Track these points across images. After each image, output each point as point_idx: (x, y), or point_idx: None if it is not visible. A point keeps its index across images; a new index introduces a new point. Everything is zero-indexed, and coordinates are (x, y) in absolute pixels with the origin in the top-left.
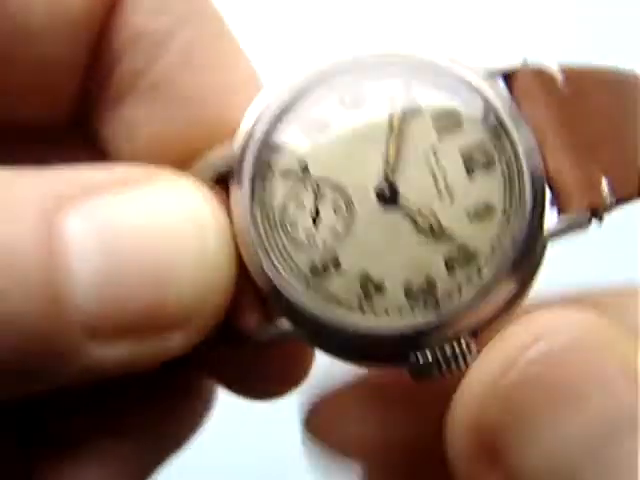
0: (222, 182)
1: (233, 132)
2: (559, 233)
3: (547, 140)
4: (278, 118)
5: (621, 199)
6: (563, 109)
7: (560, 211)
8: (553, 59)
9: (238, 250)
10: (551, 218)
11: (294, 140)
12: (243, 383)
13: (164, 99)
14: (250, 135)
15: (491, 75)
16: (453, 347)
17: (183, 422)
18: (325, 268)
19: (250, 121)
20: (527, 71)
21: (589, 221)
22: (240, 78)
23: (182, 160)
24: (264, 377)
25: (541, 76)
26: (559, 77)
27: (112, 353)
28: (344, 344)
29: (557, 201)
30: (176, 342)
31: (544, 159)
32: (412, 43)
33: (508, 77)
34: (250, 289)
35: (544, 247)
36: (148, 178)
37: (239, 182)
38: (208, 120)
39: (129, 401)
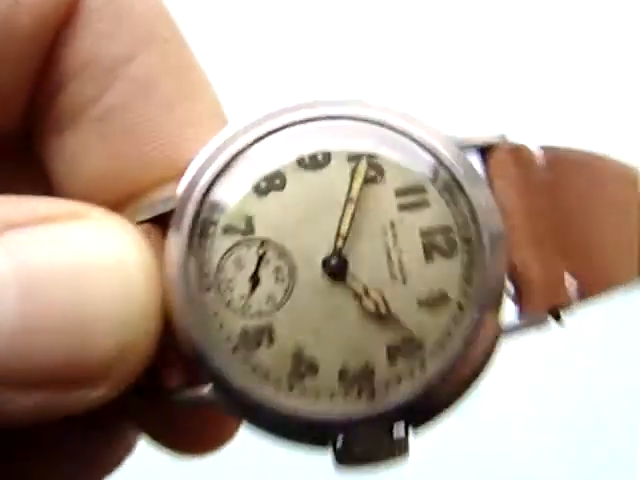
0: (161, 222)
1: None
2: (515, 330)
3: (515, 228)
4: (227, 166)
5: (587, 300)
6: (538, 196)
7: (519, 307)
8: (535, 139)
9: (165, 302)
10: (508, 312)
11: (242, 195)
12: (165, 438)
13: (112, 132)
14: (196, 181)
15: (462, 145)
16: (384, 439)
17: (99, 466)
18: (257, 338)
19: (198, 165)
20: (505, 148)
21: (548, 321)
22: (203, 112)
23: (126, 200)
24: (187, 435)
25: (519, 156)
26: (538, 159)
27: (19, 403)
28: (267, 421)
29: (517, 296)
30: (93, 395)
31: (509, 250)
32: (390, 97)
33: (484, 151)
34: (174, 345)
35: (498, 342)
36: (73, 215)
37: (177, 229)
38: (161, 160)
39: (39, 447)
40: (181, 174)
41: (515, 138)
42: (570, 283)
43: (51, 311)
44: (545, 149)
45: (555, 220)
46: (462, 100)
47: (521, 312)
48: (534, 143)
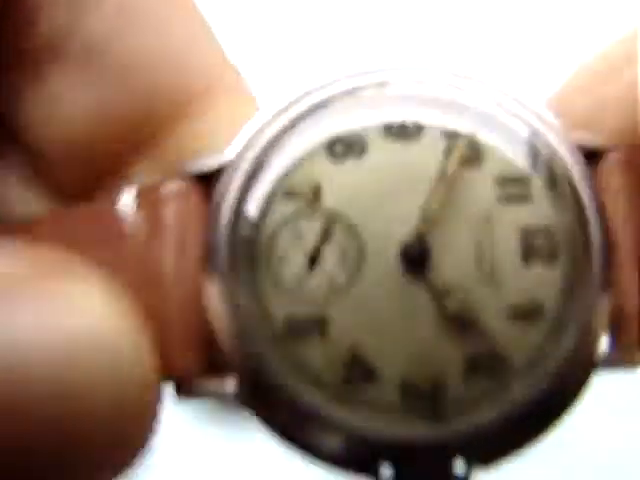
0: (205, 182)
1: (198, 102)
2: (607, 364)
3: (619, 246)
4: (299, 119)
5: None
6: None
7: (614, 338)
8: None
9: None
10: (604, 343)
11: (312, 156)
12: None
13: (99, 67)
14: (256, 137)
15: (577, 145)
16: (442, 473)
17: None
18: (307, 330)
19: (262, 114)
20: (617, 155)
21: None
22: (196, 32)
23: (129, 148)
24: None
25: (634, 163)
26: None
27: None
28: (299, 429)
29: (612, 325)
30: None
31: (619, 274)
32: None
33: (593, 156)
34: (199, 322)
35: (591, 374)
36: (45, 276)
37: (227, 189)
38: (162, 90)
39: None
40: (197, 102)
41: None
42: None
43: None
44: None
45: None
46: None
47: (615, 344)
48: None
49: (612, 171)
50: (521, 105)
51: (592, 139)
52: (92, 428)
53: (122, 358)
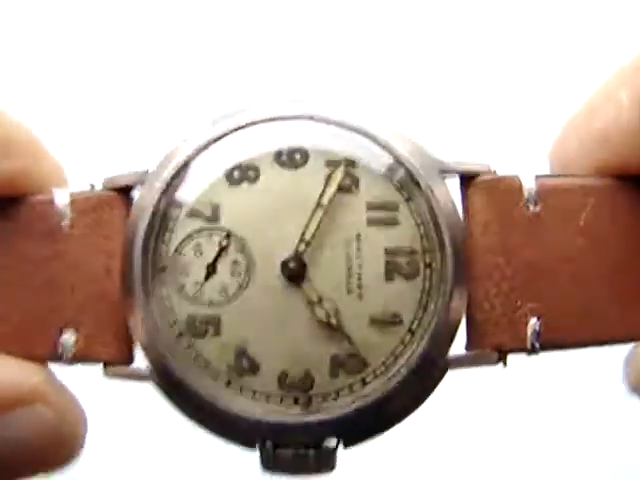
0: (126, 194)
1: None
2: (461, 363)
3: (484, 262)
4: (203, 149)
5: (550, 345)
6: (516, 231)
7: (468, 341)
8: (532, 170)
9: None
10: (459, 345)
11: (213, 181)
12: None
13: None
14: (168, 160)
15: (444, 169)
16: (313, 451)
17: None
18: (204, 328)
19: (174, 144)
20: (487, 179)
21: (498, 360)
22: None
23: None
24: None
25: (503, 187)
26: (528, 192)
27: None
28: (200, 411)
29: (468, 330)
30: None
31: (476, 286)
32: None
33: (466, 179)
34: (118, 317)
35: (444, 373)
36: None
37: (142, 205)
38: None
39: None
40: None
41: (504, 169)
42: (532, 327)
43: None
44: (540, 178)
45: (532, 258)
46: (461, 124)
47: (469, 347)
48: (529, 173)
49: (483, 192)
50: (396, 134)
51: (465, 163)
52: None
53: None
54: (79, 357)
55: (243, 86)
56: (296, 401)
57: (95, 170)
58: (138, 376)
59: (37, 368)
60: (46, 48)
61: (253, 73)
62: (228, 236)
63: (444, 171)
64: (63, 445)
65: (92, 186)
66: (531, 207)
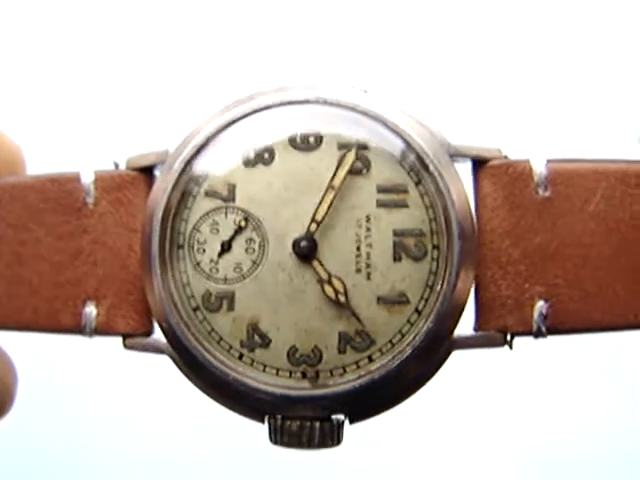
0: (149, 173)
1: None
2: (467, 344)
3: (492, 245)
4: (221, 131)
5: (557, 329)
6: (525, 214)
7: (475, 323)
8: (544, 153)
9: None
10: (465, 326)
11: (229, 162)
12: None
13: None
14: (188, 140)
15: (455, 154)
16: (319, 424)
17: None
18: (218, 302)
19: (195, 125)
20: (498, 163)
21: (504, 342)
22: None
23: None
24: None
25: (513, 172)
26: (537, 175)
27: None
28: (212, 382)
29: (476, 311)
30: None
31: (483, 269)
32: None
33: (477, 163)
34: (139, 291)
35: (449, 353)
36: None
37: (163, 183)
38: None
39: None
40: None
41: (516, 153)
42: (538, 310)
43: None
44: (551, 162)
45: (540, 242)
46: (478, 108)
47: (476, 328)
48: (540, 157)
49: (494, 176)
50: (407, 118)
51: (476, 147)
52: None
53: None
54: (101, 329)
55: (258, 68)
56: (304, 375)
57: (114, 149)
58: (156, 348)
59: None
60: (68, 30)
61: (267, 55)
62: (246, 219)
63: (455, 155)
64: None
65: (116, 165)
66: (541, 191)
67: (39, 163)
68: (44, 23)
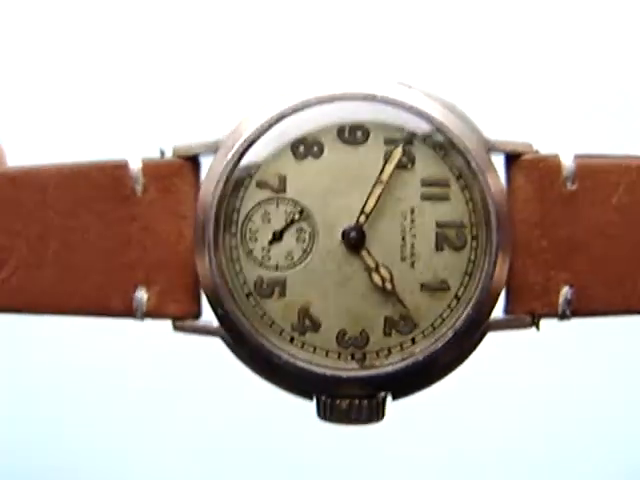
0: (196, 162)
1: None
2: (499, 326)
3: (524, 235)
4: (272, 124)
5: (581, 312)
6: (555, 207)
7: (506, 306)
8: (572, 148)
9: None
10: (497, 309)
11: (280, 154)
12: None
13: None
14: (240, 131)
15: (491, 148)
16: (366, 401)
17: None
18: (270, 289)
19: (246, 116)
20: (530, 158)
21: (531, 324)
22: None
23: None
24: None
25: (544, 166)
26: (566, 170)
27: None
28: (265, 364)
29: (506, 296)
30: None
31: (514, 257)
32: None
33: (510, 158)
34: (193, 276)
35: (483, 335)
36: None
37: (216, 173)
38: None
39: None
40: None
41: (545, 147)
42: (564, 295)
43: None
44: (579, 158)
45: (567, 233)
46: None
47: (506, 311)
48: (569, 152)
49: (526, 170)
50: (450, 115)
51: (510, 142)
52: None
53: None
54: (152, 313)
55: (301, 63)
56: (352, 357)
57: (157, 138)
58: (207, 330)
59: None
60: (104, 22)
61: (311, 50)
62: (294, 206)
63: (491, 150)
64: None
65: (162, 153)
66: (569, 185)
67: (80, 150)
68: (88, 13)
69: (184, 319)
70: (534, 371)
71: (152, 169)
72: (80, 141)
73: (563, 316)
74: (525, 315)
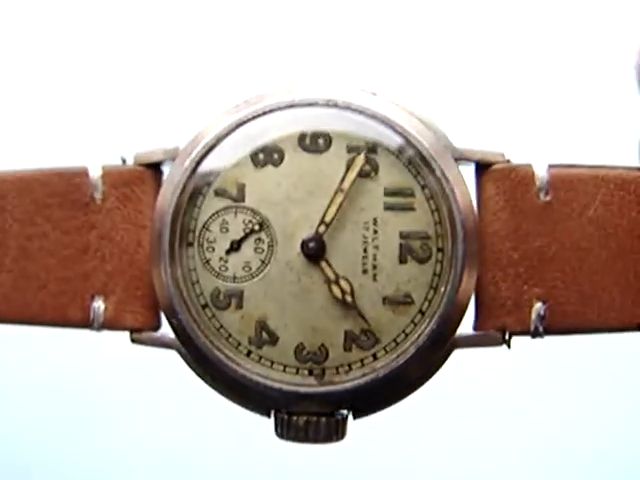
0: (156, 170)
1: None
2: (470, 343)
3: (494, 248)
4: (231, 131)
5: (555, 330)
6: (527, 218)
7: (475, 322)
8: (545, 158)
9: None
10: (465, 326)
11: (239, 162)
12: None
13: None
14: (199, 140)
15: (459, 157)
16: (325, 419)
17: None
18: (227, 300)
19: (204, 124)
20: (501, 167)
21: (502, 342)
22: None
23: None
24: None
25: (516, 176)
26: (539, 180)
27: None
28: (221, 378)
29: (476, 311)
30: None
31: (484, 270)
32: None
33: (481, 167)
34: (146, 286)
35: (450, 352)
36: None
37: (173, 181)
38: None
39: None
40: None
41: (518, 157)
42: (537, 311)
43: None
44: (553, 167)
45: (540, 245)
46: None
47: (476, 327)
48: (542, 162)
49: (497, 180)
50: (414, 122)
51: (480, 151)
52: None
53: None
54: (108, 324)
55: (266, 68)
56: (311, 372)
57: (119, 145)
58: (163, 343)
59: None
60: (77, 25)
61: (275, 55)
62: (253, 215)
63: (459, 158)
64: None
65: (123, 160)
66: (542, 196)
67: (39, 157)
68: (49, 21)
69: (142, 331)
70: (507, 387)
71: (112, 177)
72: (41, 148)
73: (536, 333)
74: (495, 332)
